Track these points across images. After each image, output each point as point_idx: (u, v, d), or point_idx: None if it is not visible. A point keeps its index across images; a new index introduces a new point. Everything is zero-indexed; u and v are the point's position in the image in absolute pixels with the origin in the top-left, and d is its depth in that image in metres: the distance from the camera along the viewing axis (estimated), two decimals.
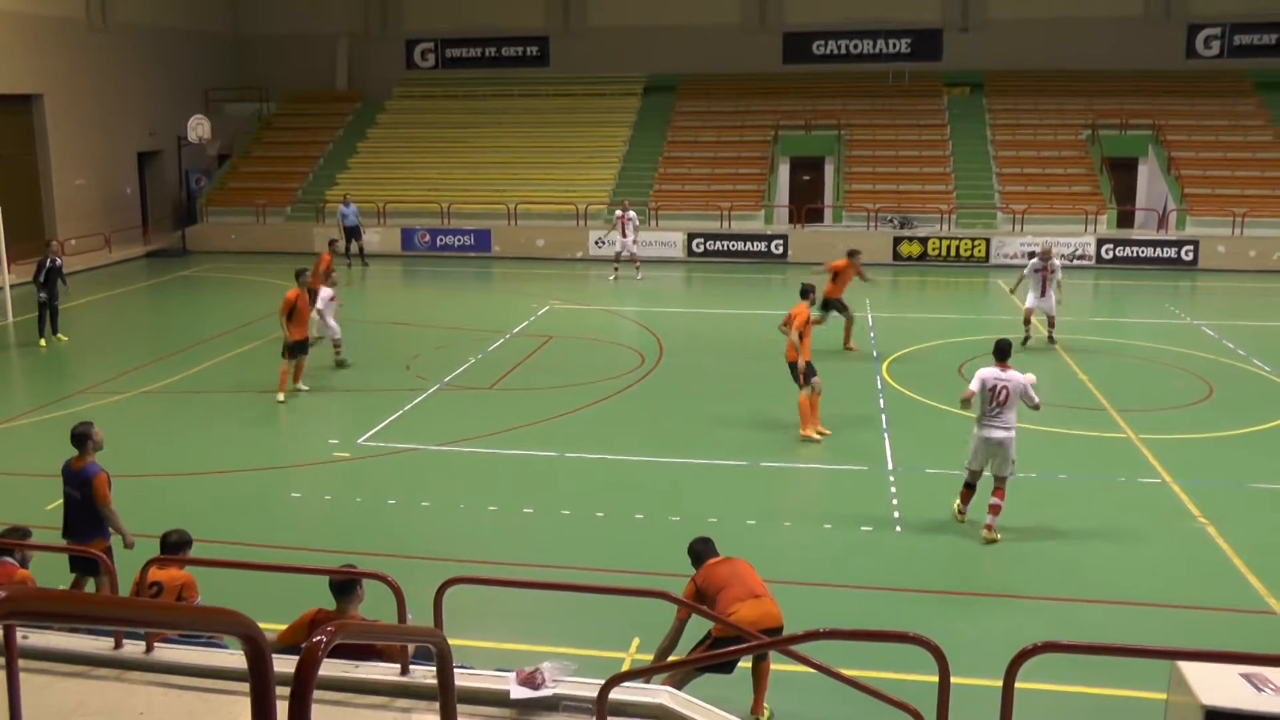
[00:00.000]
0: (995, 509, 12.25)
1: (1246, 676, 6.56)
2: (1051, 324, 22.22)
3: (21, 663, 5.72)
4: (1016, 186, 35.11)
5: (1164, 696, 7.14)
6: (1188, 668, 6.68)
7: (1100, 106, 37.31)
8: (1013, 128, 37.64)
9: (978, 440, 12.33)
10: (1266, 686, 6.47)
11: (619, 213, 30.59)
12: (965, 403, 12.44)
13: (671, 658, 8.19)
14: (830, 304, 21.11)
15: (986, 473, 12.40)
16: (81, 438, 10.17)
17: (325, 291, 20.08)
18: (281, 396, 18.18)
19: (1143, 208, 35.70)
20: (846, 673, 6.46)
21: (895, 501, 13.52)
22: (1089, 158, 36.07)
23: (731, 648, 6.85)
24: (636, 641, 9.55)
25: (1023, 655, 4.83)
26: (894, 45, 40.65)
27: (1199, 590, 11.13)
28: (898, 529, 12.76)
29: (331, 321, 20.40)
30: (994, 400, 12.15)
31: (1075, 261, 31.93)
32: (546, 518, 13.15)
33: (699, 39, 41.08)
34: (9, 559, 8.87)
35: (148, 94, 38.93)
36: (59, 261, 23.17)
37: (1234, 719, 6.26)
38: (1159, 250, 32.84)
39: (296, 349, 18.44)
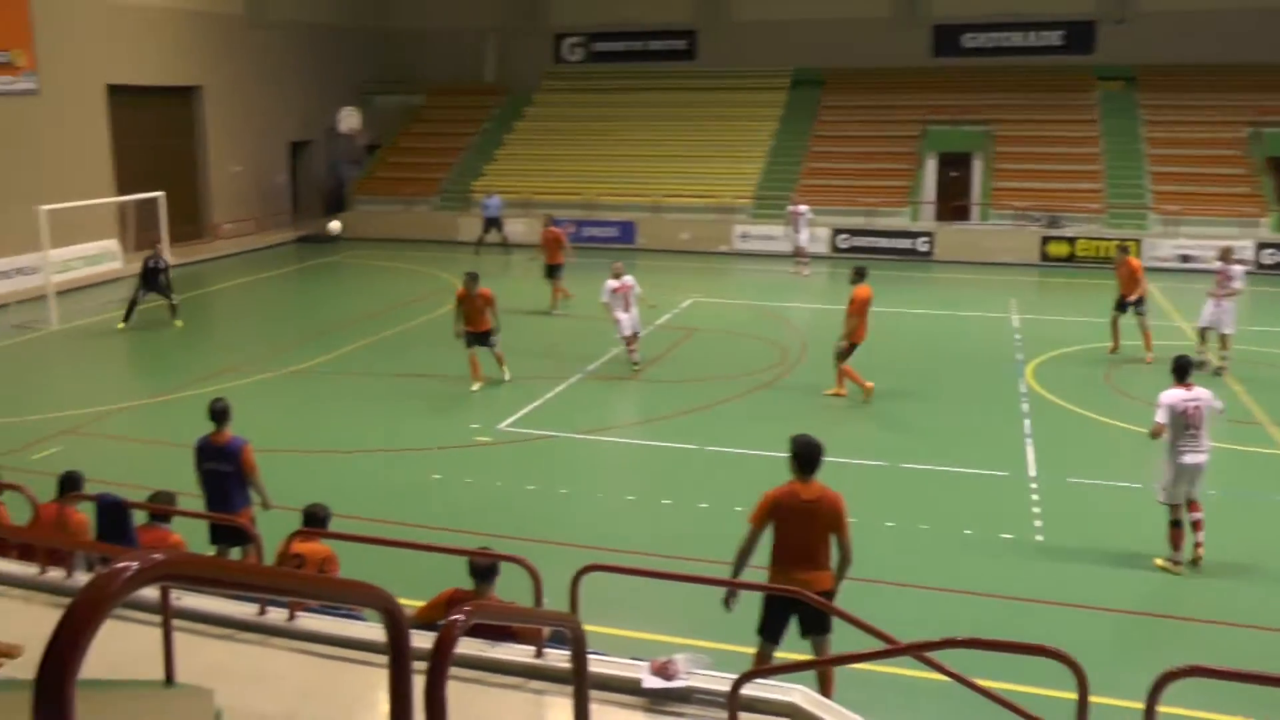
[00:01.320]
0: (1199, 524, 11.50)
1: None
2: (1224, 344, 19.61)
3: (175, 622, 5.91)
4: (1170, 186, 33.77)
5: None
6: None
7: (1264, 103, 35.52)
8: (1168, 124, 36.08)
9: (1175, 469, 11.30)
10: None
11: (790, 208, 30.54)
12: (1156, 436, 11.41)
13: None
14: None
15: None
16: (223, 413, 10.44)
17: (610, 283, 19.56)
18: (476, 386, 18.50)
19: None
20: (981, 683, 6.28)
21: (1037, 510, 13.15)
22: (1250, 158, 34.48)
23: (880, 649, 6.64)
24: None
25: (1167, 677, 4.61)
26: (1045, 38, 39.46)
27: None
28: (1038, 538, 12.40)
29: (621, 315, 19.49)
30: (1187, 425, 11.24)
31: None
32: (684, 510, 13.13)
33: (847, 32, 40.50)
34: (163, 524, 9.20)
35: (301, 86, 40.15)
36: (162, 263, 23.72)
37: None
38: None
39: (474, 339, 18.54)
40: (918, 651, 6.13)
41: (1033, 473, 14.45)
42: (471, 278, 18.67)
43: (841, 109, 39.39)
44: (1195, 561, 11.48)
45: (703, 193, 36.13)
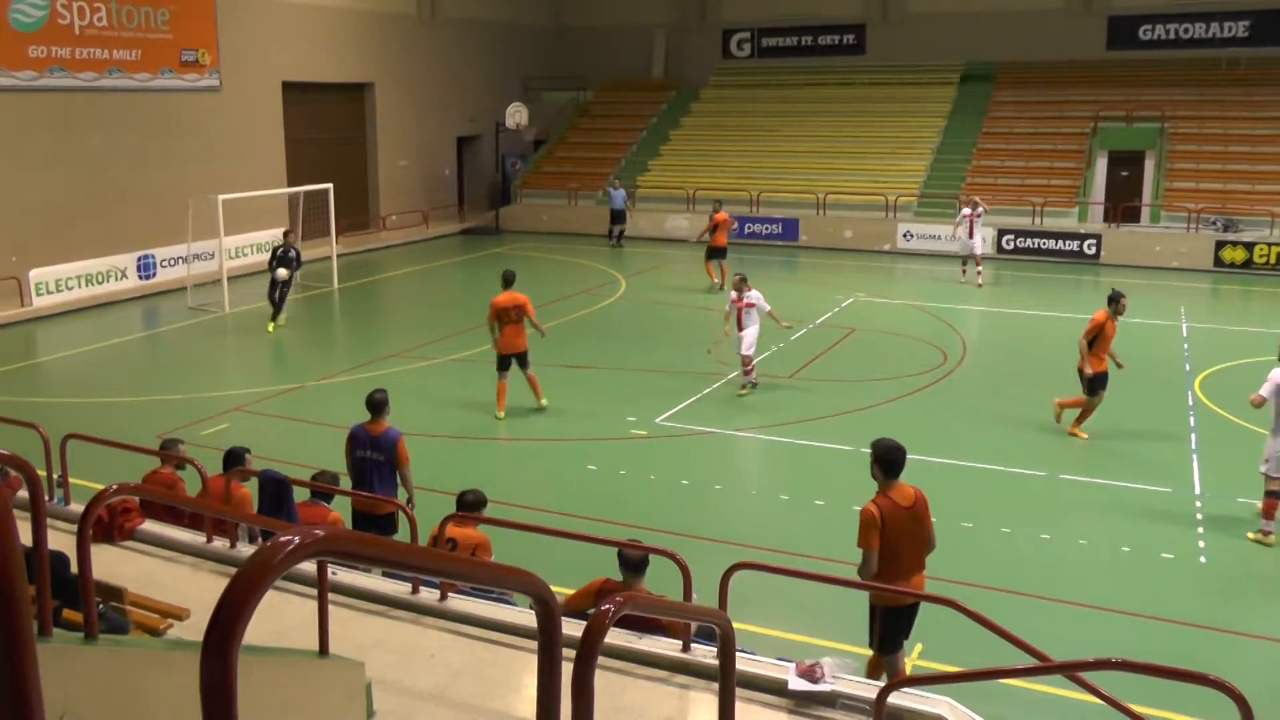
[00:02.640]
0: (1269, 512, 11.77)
1: None
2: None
3: (330, 596, 6.10)
4: None
5: None
6: None
7: None
8: None
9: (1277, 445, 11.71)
10: None
11: (966, 210, 28.22)
12: (1255, 406, 11.86)
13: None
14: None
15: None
16: (380, 404, 10.65)
17: (731, 295, 18.14)
18: (500, 414, 16.62)
19: None
20: (1137, 709, 6.05)
21: (1200, 530, 12.59)
22: None
23: (1031, 666, 6.46)
24: (919, 648, 9.26)
25: None
26: (1230, 29, 37.64)
27: None
28: (1201, 559, 11.84)
29: (740, 332, 17.83)
30: None
31: None
32: (837, 512, 12.97)
33: (1019, 24, 39.47)
34: (323, 502, 9.49)
35: (470, 82, 41.03)
36: (292, 251, 23.09)
37: None
38: None
39: (505, 362, 16.48)
40: (1070, 670, 5.95)
41: (1198, 490, 13.86)
42: (506, 280, 16.61)
43: (1011, 104, 38.45)
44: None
45: (867, 190, 35.66)
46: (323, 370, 19.72)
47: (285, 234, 23.97)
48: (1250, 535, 11.88)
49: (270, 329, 22.90)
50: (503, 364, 16.40)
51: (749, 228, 35.57)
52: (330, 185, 28.71)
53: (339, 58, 35.20)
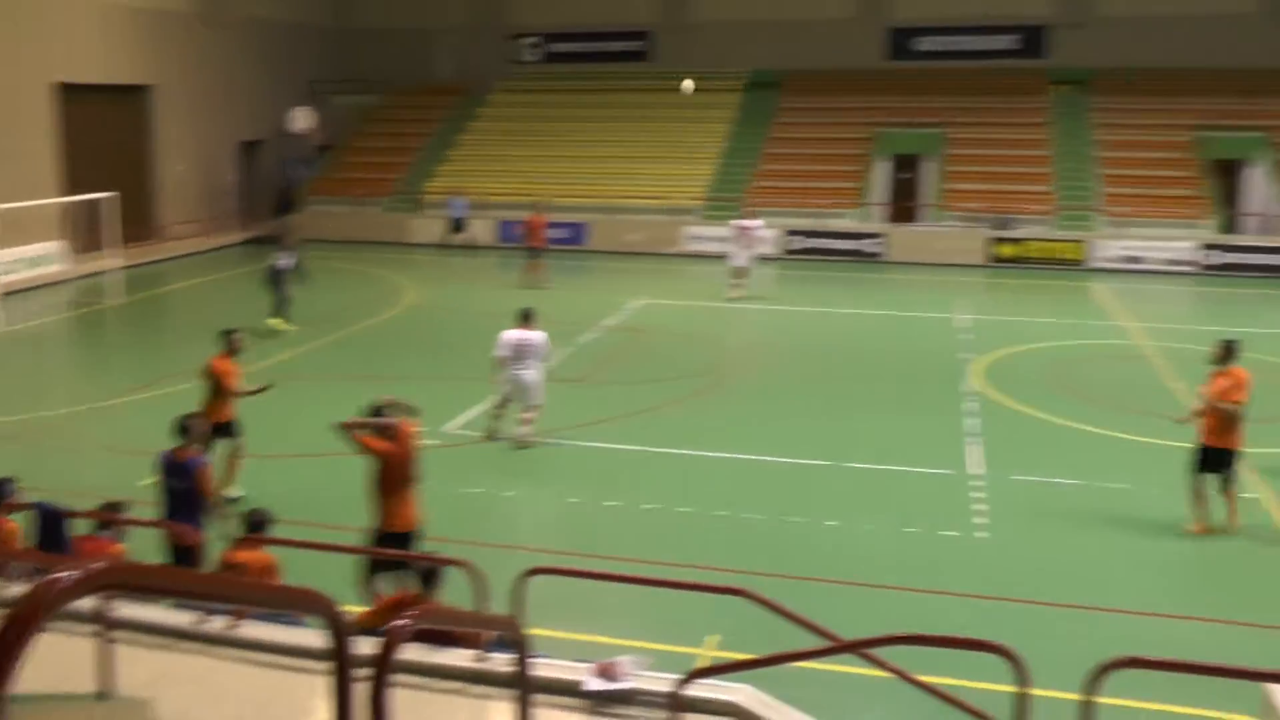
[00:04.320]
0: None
1: None
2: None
3: (114, 633, 5.90)
4: (1119, 189, 34.28)
5: None
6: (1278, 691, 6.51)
7: (1207, 106, 36.18)
8: (1117, 127, 36.57)
9: None
10: None
11: (739, 223, 27.33)
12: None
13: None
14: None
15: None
16: (187, 429, 10.30)
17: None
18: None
19: (1252, 213, 34.71)
20: (924, 679, 6.40)
21: (982, 507, 13.32)
22: (1195, 160, 35.03)
23: (824, 647, 6.74)
24: (714, 638, 9.52)
25: (1105, 668, 4.74)
26: (999, 41, 39.88)
27: None
28: (981, 534, 12.57)
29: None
30: None
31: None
32: (629, 512, 13.19)
33: (804, 33, 40.67)
34: (104, 534, 9.13)
35: (254, 85, 39.83)
36: (282, 262, 23.16)
37: None
38: (1268, 257, 32.04)
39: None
40: (862, 648, 6.24)
41: (976, 470, 14.63)
42: (227, 338, 13.91)
43: (796, 110, 39.59)
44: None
45: (654, 194, 36.22)
46: (103, 392, 18.85)
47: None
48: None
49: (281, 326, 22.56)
50: None
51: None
52: (113, 194, 27.38)
53: (116, 58, 33.62)
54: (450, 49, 44.93)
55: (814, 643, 6.51)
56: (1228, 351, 12.53)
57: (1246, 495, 13.18)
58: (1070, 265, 32.56)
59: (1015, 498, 13.64)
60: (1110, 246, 32.59)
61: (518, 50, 44.36)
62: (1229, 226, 34.17)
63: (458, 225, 35.08)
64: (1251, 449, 13.10)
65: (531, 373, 15.32)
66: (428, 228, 36.22)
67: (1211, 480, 12.53)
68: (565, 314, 24.74)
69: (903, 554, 12.07)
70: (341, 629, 3.31)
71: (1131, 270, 31.95)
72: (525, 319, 15.47)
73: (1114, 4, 38.33)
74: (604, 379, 19.35)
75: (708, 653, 9.38)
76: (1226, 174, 35.07)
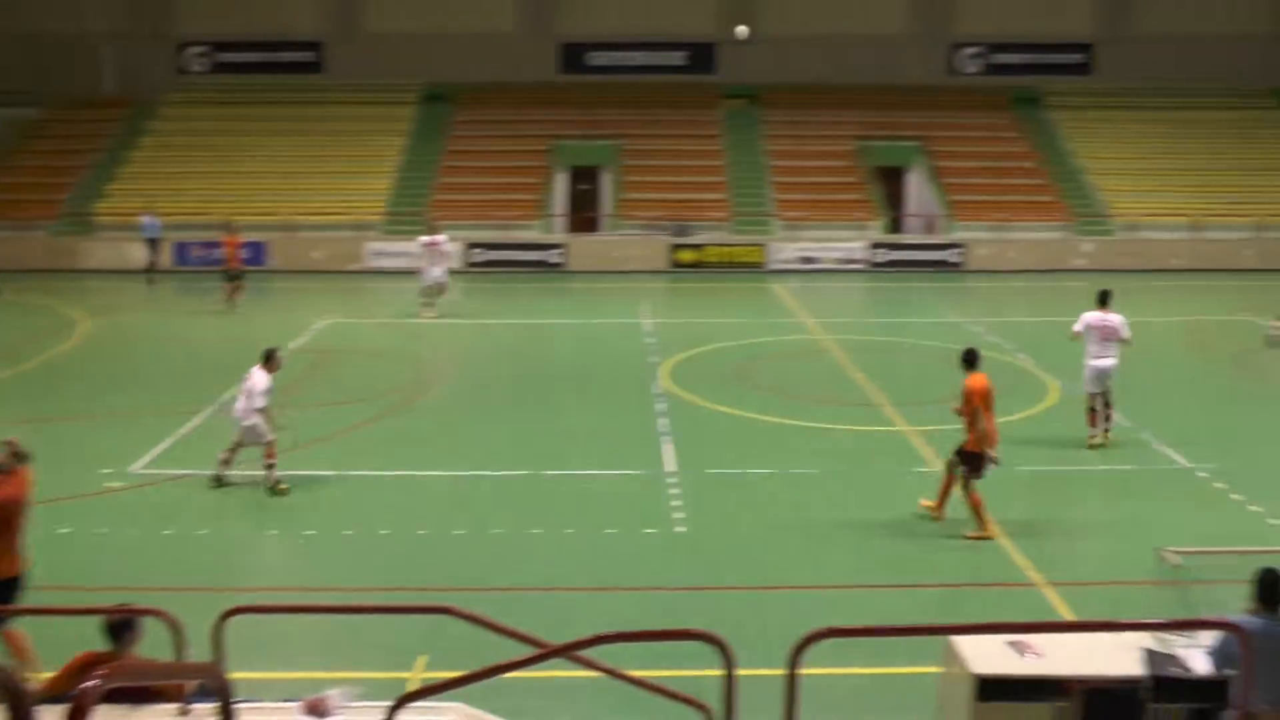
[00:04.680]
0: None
1: (1011, 644, 7.17)
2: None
3: None
4: (790, 195, 36.35)
5: (940, 670, 7.59)
6: (959, 641, 7.25)
7: (868, 119, 38.89)
8: (787, 138, 38.79)
9: None
10: (1028, 652, 7.08)
11: (426, 239, 26.75)
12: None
13: None
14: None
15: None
16: None
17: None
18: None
19: (913, 214, 37.62)
20: (635, 674, 6.59)
21: (679, 503, 13.73)
22: (859, 167, 37.66)
23: (531, 655, 6.79)
24: (423, 659, 9.45)
25: (805, 641, 5.05)
26: (669, 57, 41.28)
27: (969, 569, 11.82)
28: (680, 529, 12.98)
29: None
30: None
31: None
32: (329, 539, 12.84)
33: (476, 47, 40.61)
34: None
35: None
36: None
37: (1002, 683, 6.83)
38: (930, 253, 34.77)
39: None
40: (569, 652, 6.35)
41: (671, 468, 15.08)
42: (969, 359, 12.98)
43: (472, 124, 39.67)
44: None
45: (334, 210, 35.49)
46: None
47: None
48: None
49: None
50: None
51: (215, 253, 34.09)
52: None
53: None
54: (114, 58, 42.02)
55: (523, 652, 6.57)
56: (970, 359, 12.96)
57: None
58: (750, 268, 34.19)
59: (711, 491, 14.16)
60: (786, 249, 34.49)
61: (186, 60, 42.22)
62: (894, 227, 37.16)
63: (153, 246, 32.54)
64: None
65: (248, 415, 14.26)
66: (101, 251, 34.07)
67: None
68: (249, 336, 23.77)
69: (606, 555, 12.31)
70: (20, 700, 3.12)
71: (808, 270, 34.01)
72: (267, 360, 14.53)
73: (777, 24, 40.27)
74: (292, 404, 18.61)
75: (417, 675, 9.28)
76: (889, 179, 37.94)
